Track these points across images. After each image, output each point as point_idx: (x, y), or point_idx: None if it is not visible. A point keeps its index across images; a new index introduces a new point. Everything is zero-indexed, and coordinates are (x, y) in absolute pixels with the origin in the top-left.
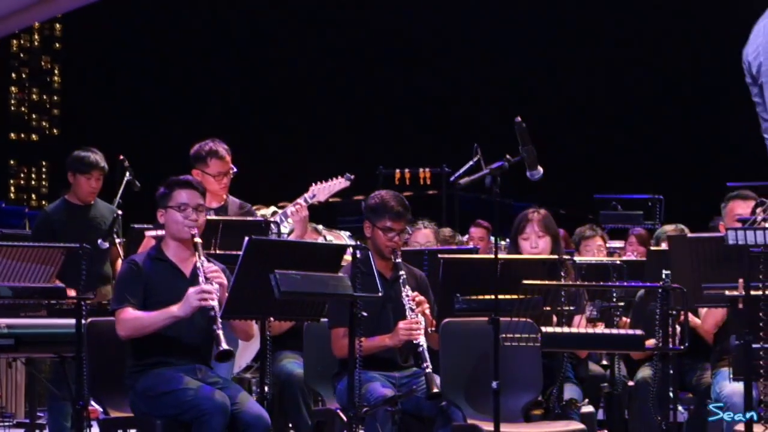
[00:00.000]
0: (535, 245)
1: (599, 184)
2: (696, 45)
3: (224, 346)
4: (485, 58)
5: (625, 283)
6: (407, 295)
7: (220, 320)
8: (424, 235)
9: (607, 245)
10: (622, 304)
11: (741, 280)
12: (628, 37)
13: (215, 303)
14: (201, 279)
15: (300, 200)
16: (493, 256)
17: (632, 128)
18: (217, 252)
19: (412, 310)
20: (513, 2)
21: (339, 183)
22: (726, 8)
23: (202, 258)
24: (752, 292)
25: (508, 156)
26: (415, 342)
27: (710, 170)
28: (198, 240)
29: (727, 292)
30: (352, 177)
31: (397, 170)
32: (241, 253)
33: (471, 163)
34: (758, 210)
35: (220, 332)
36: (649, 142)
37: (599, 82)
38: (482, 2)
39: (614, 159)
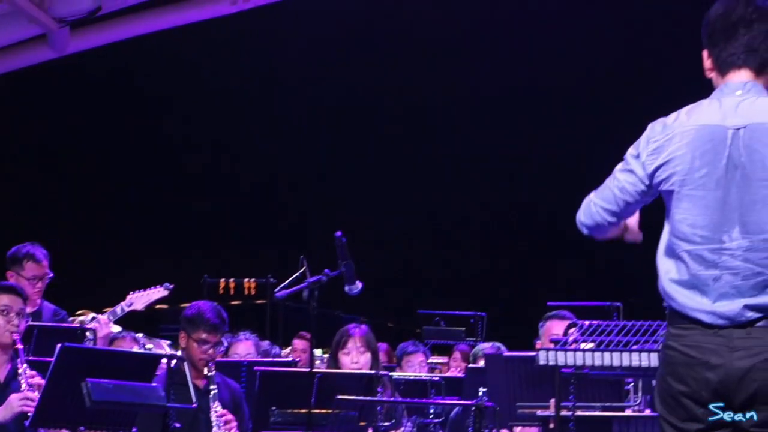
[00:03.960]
0: (356, 361)
1: (424, 299)
2: (519, 179)
3: None
4: (315, 172)
5: (441, 400)
6: (216, 412)
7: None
8: (244, 347)
9: (430, 361)
10: (439, 420)
11: (552, 400)
12: (458, 156)
13: None
14: (23, 385)
15: (117, 308)
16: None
17: (458, 245)
18: (31, 358)
19: (219, 428)
20: (341, 125)
21: (157, 292)
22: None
23: (24, 364)
24: (562, 413)
25: (326, 270)
26: None
27: (532, 289)
28: (19, 346)
29: (539, 412)
30: (171, 286)
31: (222, 280)
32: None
33: (297, 274)
34: (570, 331)
35: None
36: (475, 260)
37: (428, 199)
38: (314, 131)
39: (439, 275)
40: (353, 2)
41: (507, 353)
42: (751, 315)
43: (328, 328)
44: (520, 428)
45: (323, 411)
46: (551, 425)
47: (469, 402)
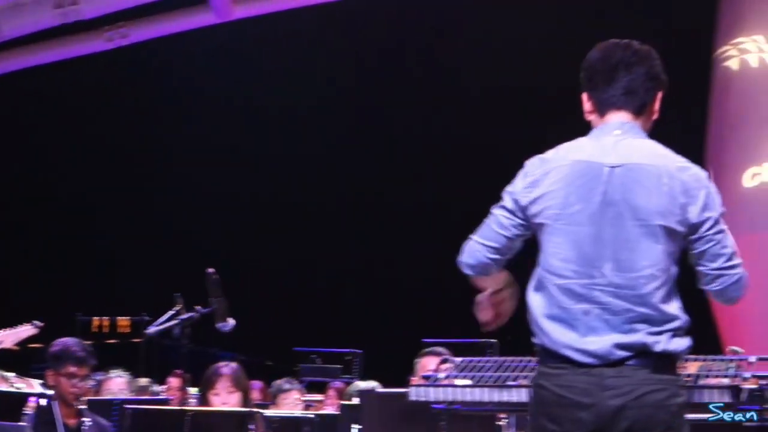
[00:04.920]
0: (225, 401)
1: (301, 337)
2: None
3: None
4: (185, 207)
5: None
6: None
7: None
8: (116, 384)
9: (306, 398)
10: None
11: None
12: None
13: None
14: None
15: None
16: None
17: (335, 282)
18: None
19: None
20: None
21: (26, 330)
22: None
23: None
24: None
25: (198, 307)
26: None
27: (409, 326)
28: None
29: None
30: (41, 324)
31: (95, 318)
32: None
33: (171, 312)
34: (443, 366)
35: None
36: (350, 297)
37: (310, 237)
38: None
39: (316, 313)
40: None
41: (380, 390)
42: (621, 354)
43: (205, 365)
44: None
45: None
46: None
47: None
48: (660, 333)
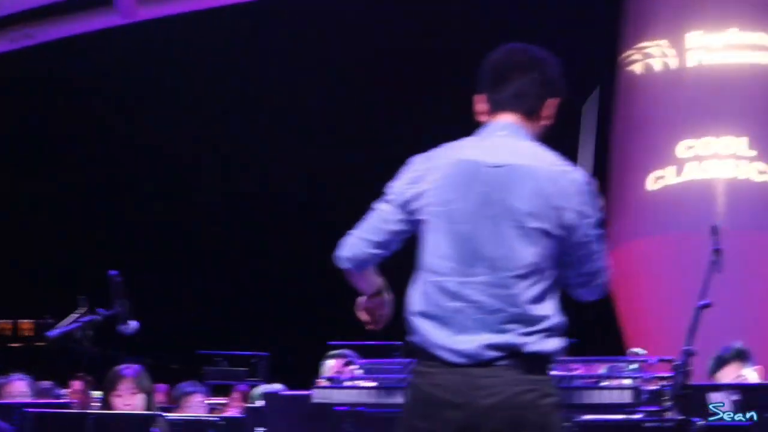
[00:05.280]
0: (128, 403)
1: (207, 339)
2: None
3: None
4: (89, 208)
5: None
6: None
7: None
8: (18, 388)
9: (210, 401)
10: None
11: None
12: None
13: None
14: None
15: None
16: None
17: (240, 283)
18: None
19: None
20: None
21: None
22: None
23: None
24: None
25: (100, 310)
26: None
27: (316, 329)
28: None
29: None
30: None
31: None
32: None
33: (75, 315)
34: (347, 368)
35: None
36: (256, 300)
37: (216, 236)
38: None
39: (221, 316)
40: None
41: (285, 392)
42: (492, 354)
43: (109, 368)
44: None
45: None
46: None
47: None
48: (531, 333)
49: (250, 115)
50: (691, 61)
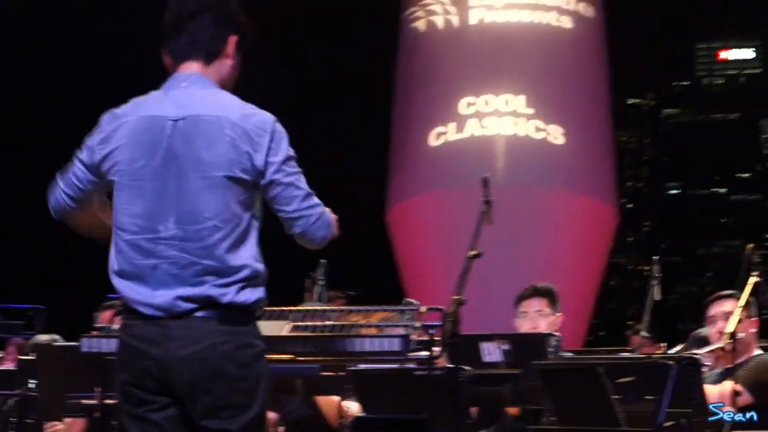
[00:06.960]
0: None
1: None
2: None
3: None
4: None
5: None
6: None
7: None
8: None
9: None
10: None
11: (99, 389)
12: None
13: None
14: None
15: None
16: None
17: (28, 235)
18: None
19: None
20: None
21: None
22: None
23: None
24: (109, 401)
25: None
26: None
27: (93, 282)
28: None
29: (84, 401)
30: None
31: None
32: None
33: None
34: (116, 319)
35: None
36: (33, 254)
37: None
38: None
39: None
40: None
41: (57, 343)
42: (186, 306)
43: None
44: (70, 419)
45: None
46: (96, 414)
47: (10, 393)
48: (228, 285)
49: None
50: (473, 18)
